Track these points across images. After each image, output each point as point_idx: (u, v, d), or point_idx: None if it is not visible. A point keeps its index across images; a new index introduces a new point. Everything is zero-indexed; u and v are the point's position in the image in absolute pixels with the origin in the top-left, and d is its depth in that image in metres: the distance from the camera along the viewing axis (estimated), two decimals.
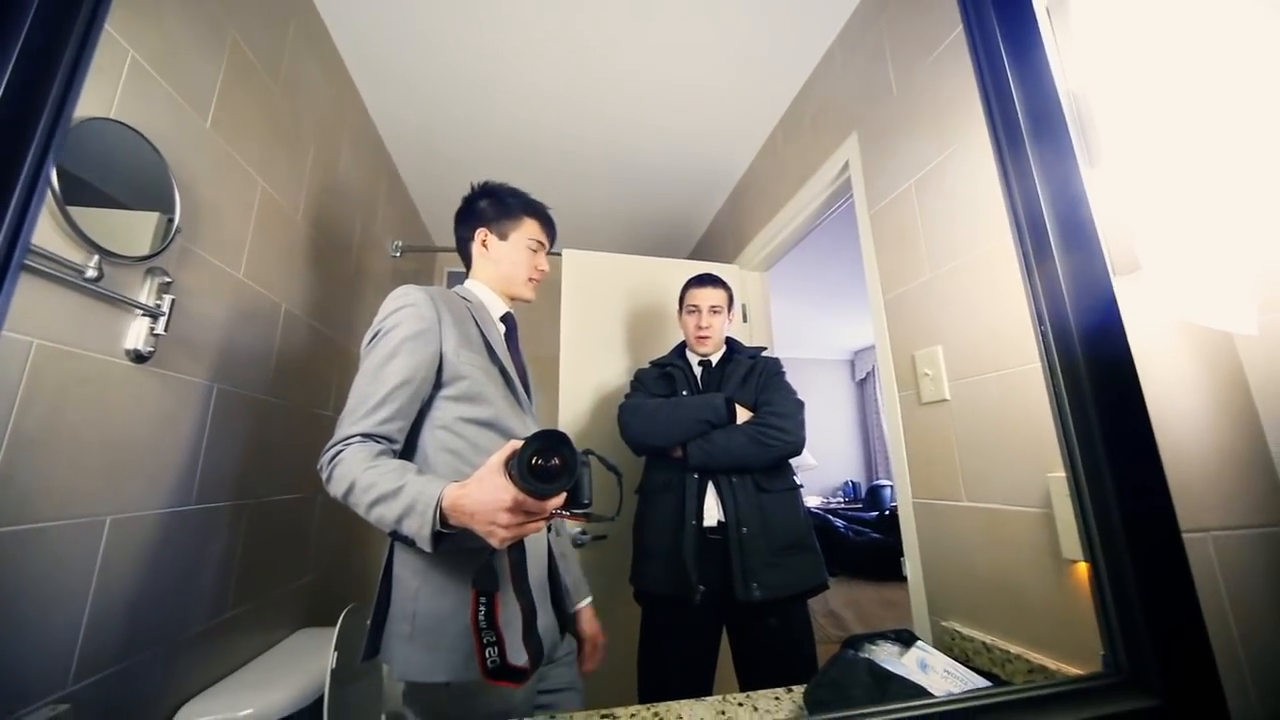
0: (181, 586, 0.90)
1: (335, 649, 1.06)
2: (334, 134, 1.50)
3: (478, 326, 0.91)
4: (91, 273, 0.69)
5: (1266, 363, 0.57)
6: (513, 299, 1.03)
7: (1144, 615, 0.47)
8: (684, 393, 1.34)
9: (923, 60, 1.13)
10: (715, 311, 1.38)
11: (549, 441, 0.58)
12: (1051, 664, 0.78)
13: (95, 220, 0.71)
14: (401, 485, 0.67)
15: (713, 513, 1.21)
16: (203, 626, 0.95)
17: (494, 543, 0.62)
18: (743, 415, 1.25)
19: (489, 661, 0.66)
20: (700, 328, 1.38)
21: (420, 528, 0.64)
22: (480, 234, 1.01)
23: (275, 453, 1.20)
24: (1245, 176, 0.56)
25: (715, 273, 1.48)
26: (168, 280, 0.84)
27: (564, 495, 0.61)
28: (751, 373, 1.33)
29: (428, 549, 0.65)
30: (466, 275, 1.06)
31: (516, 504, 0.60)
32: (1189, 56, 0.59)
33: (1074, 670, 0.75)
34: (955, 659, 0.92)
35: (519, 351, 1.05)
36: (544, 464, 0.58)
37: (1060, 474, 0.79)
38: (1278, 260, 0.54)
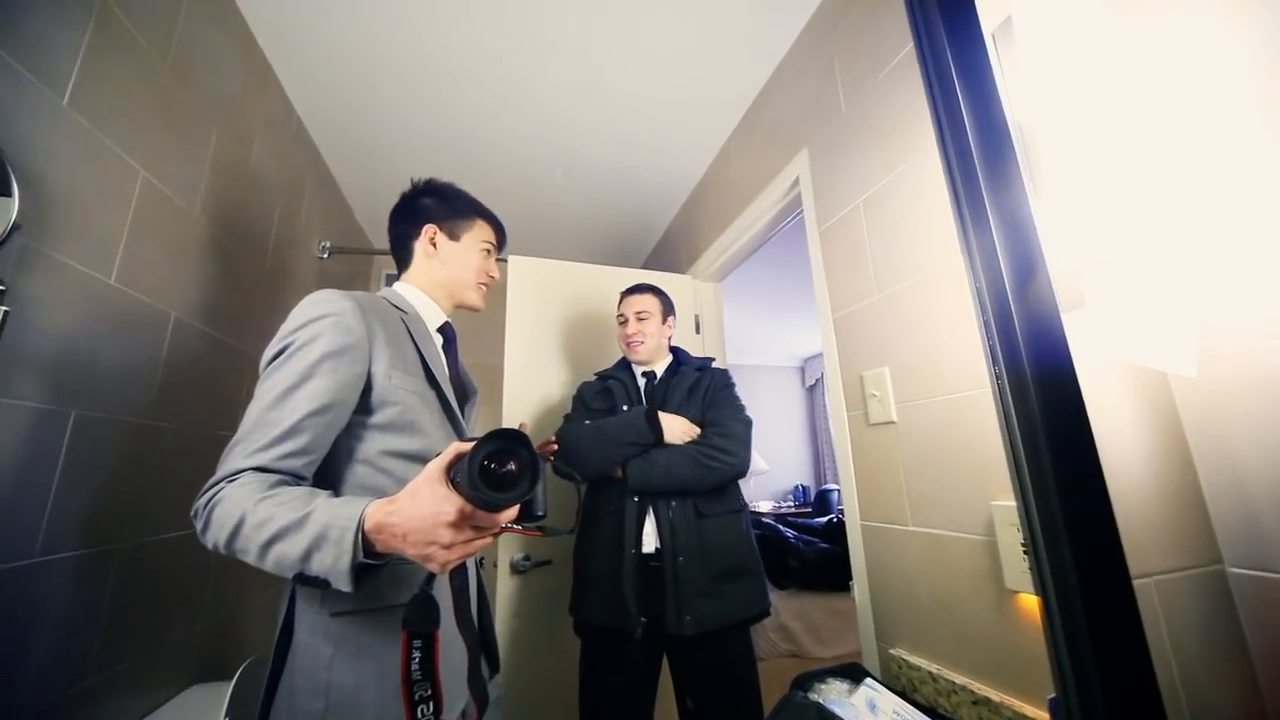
0: (9, 661, 0.74)
1: (226, 715, 0.92)
2: (244, 118, 1.34)
3: (413, 342, 0.79)
4: None
5: (1201, 405, 0.58)
6: (459, 306, 0.93)
7: (1095, 662, 0.46)
8: (624, 407, 1.29)
9: (871, 79, 1.13)
10: (642, 318, 1.34)
11: (505, 442, 0.49)
12: (995, 696, 0.77)
13: None
14: (308, 512, 0.55)
15: (651, 539, 1.16)
16: (44, 704, 0.78)
17: (434, 567, 0.52)
18: (673, 425, 1.19)
19: None
20: (628, 335, 1.35)
21: (336, 560, 0.52)
22: (429, 231, 0.89)
23: (161, 484, 1.04)
24: (1192, 215, 0.56)
25: (655, 283, 1.44)
26: (0, 288, 0.68)
27: (518, 506, 0.52)
28: (698, 385, 1.28)
29: (345, 587, 0.53)
30: (398, 276, 0.92)
31: (462, 517, 0.50)
32: (1134, 90, 0.59)
33: (1016, 703, 0.74)
34: (902, 689, 0.91)
35: (459, 368, 0.94)
36: (499, 469, 0.49)
37: (1003, 502, 0.79)
38: (1219, 302, 0.54)
